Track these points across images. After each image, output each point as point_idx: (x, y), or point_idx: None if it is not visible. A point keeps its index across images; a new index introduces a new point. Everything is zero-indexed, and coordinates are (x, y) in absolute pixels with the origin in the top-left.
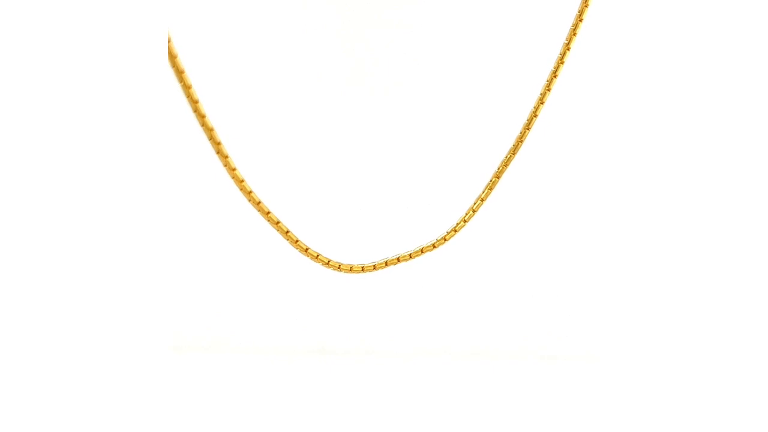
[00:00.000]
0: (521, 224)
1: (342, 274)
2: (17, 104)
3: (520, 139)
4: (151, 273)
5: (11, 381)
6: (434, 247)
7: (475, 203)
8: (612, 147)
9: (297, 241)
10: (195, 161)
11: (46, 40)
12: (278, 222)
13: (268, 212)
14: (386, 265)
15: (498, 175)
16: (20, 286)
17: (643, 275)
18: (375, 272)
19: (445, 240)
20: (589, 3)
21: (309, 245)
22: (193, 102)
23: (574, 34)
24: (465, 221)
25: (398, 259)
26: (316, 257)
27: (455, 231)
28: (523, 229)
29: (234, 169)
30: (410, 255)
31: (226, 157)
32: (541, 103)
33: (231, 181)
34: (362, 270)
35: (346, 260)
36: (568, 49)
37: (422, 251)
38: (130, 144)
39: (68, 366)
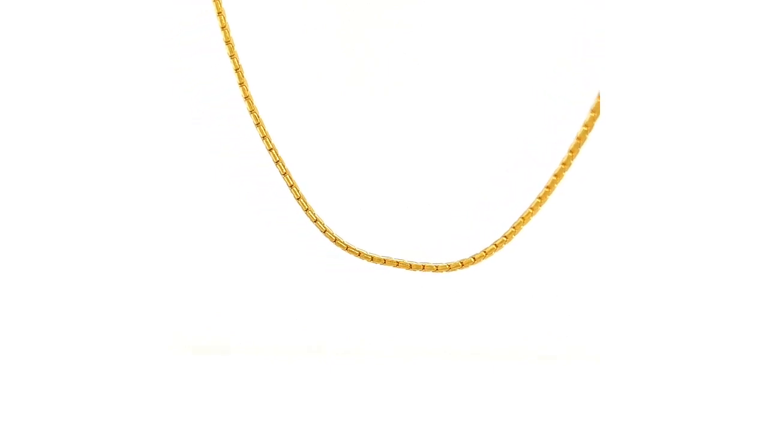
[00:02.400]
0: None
1: (351, 263)
2: (23, 106)
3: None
4: (150, 274)
5: (12, 381)
6: (436, 269)
7: (496, 242)
8: (610, 145)
9: (328, 232)
10: (194, 163)
11: (60, 43)
12: (308, 208)
13: (307, 209)
14: (385, 263)
15: (531, 213)
16: (20, 287)
17: (643, 275)
18: (375, 272)
19: (449, 269)
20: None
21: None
22: (251, 106)
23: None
24: (474, 259)
25: (397, 263)
26: (359, 254)
27: (461, 265)
28: (522, 229)
29: (294, 187)
30: (410, 265)
31: (271, 148)
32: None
33: (275, 171)
34: (372, 259)
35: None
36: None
37: (423, 268)
38: (129, 146)
39: (68, 366)
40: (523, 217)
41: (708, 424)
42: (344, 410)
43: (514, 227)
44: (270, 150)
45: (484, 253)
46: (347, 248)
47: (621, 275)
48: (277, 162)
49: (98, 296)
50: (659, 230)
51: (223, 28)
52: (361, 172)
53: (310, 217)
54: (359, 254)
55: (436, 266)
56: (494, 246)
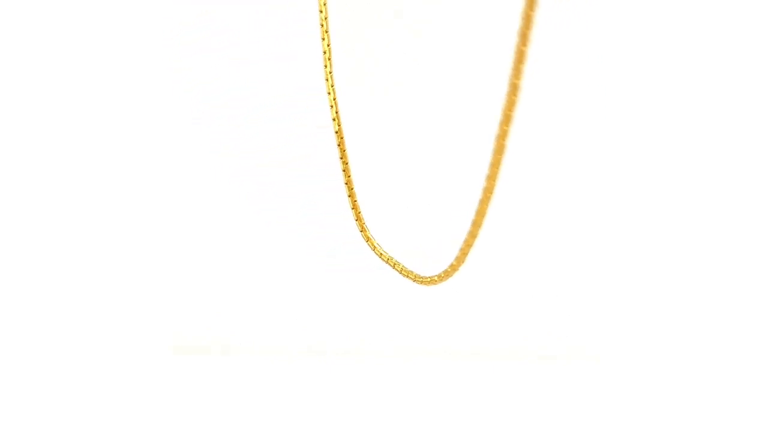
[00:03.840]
0: (520, 224)
1: (350, 263)
2: (25, 106)
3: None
4: (151, 274)
5: (12, 382)
6: (415, 279)
7: (451, 264)
8: (611, 144)
9: (376, 246)
10: (193, 163)
11: (65, 46)
12: (356, 209)
13: (359, 219)
14: (387, 262)
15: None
16: (21, 288)
17: (642, 275)
18: (375, 272)
19: (422, 281)
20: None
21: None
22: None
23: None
24: (438, 278)
25: (394, 265)
26: (374, 248)
27: (430, 280)
28: (522, 228)
29: (346, 171)
30: (400, 270)
31: (345, 167)
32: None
33: (340, 173)
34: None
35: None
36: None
37: (406, 274)
38: (129, 146)
39: (70, 367)
40: (472, 229)
41: (708, 424)
42: (344, 410)
43: (466, 242)
44: (344, 169)
45: (444, 274)
46: (368, 240)
47: (621, 275)
48: (345, 172)
49: (99, 296)
50: (659, 231)
51: (321, 25)
52: (360, 172)
53: (350, 202)
54: (374, 248)
55: (415, 276)
56: (450, 268)
